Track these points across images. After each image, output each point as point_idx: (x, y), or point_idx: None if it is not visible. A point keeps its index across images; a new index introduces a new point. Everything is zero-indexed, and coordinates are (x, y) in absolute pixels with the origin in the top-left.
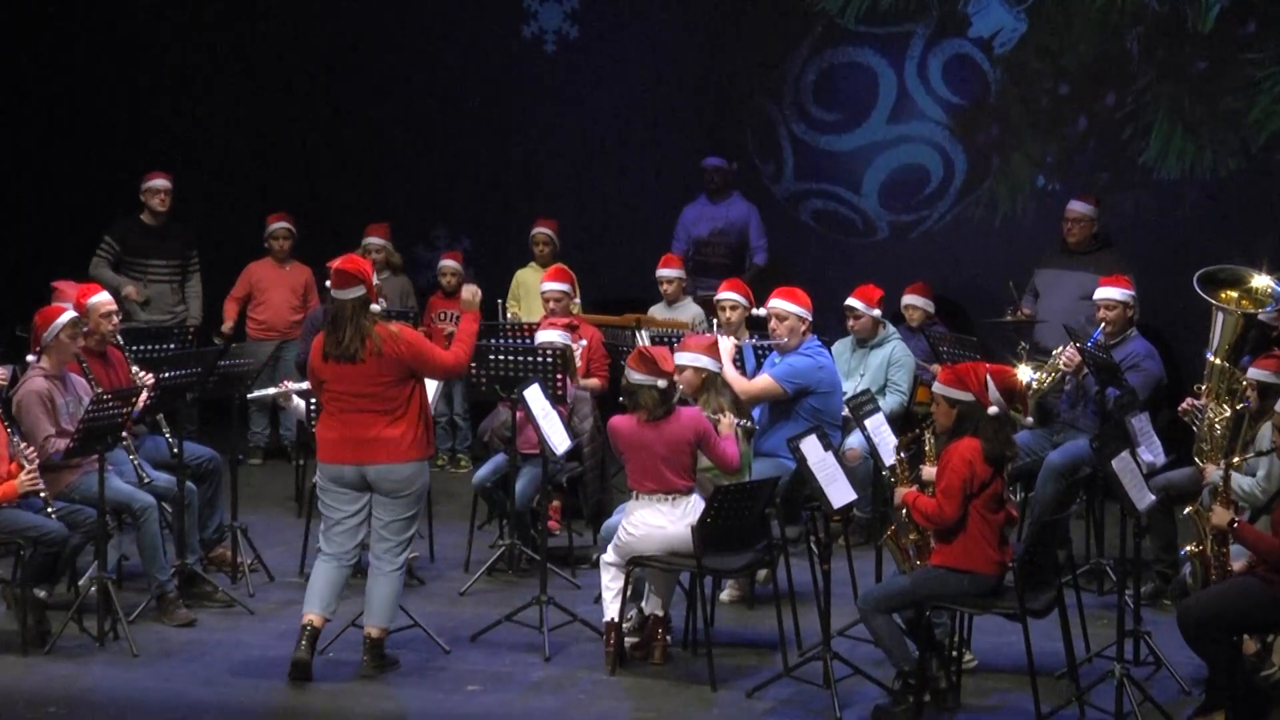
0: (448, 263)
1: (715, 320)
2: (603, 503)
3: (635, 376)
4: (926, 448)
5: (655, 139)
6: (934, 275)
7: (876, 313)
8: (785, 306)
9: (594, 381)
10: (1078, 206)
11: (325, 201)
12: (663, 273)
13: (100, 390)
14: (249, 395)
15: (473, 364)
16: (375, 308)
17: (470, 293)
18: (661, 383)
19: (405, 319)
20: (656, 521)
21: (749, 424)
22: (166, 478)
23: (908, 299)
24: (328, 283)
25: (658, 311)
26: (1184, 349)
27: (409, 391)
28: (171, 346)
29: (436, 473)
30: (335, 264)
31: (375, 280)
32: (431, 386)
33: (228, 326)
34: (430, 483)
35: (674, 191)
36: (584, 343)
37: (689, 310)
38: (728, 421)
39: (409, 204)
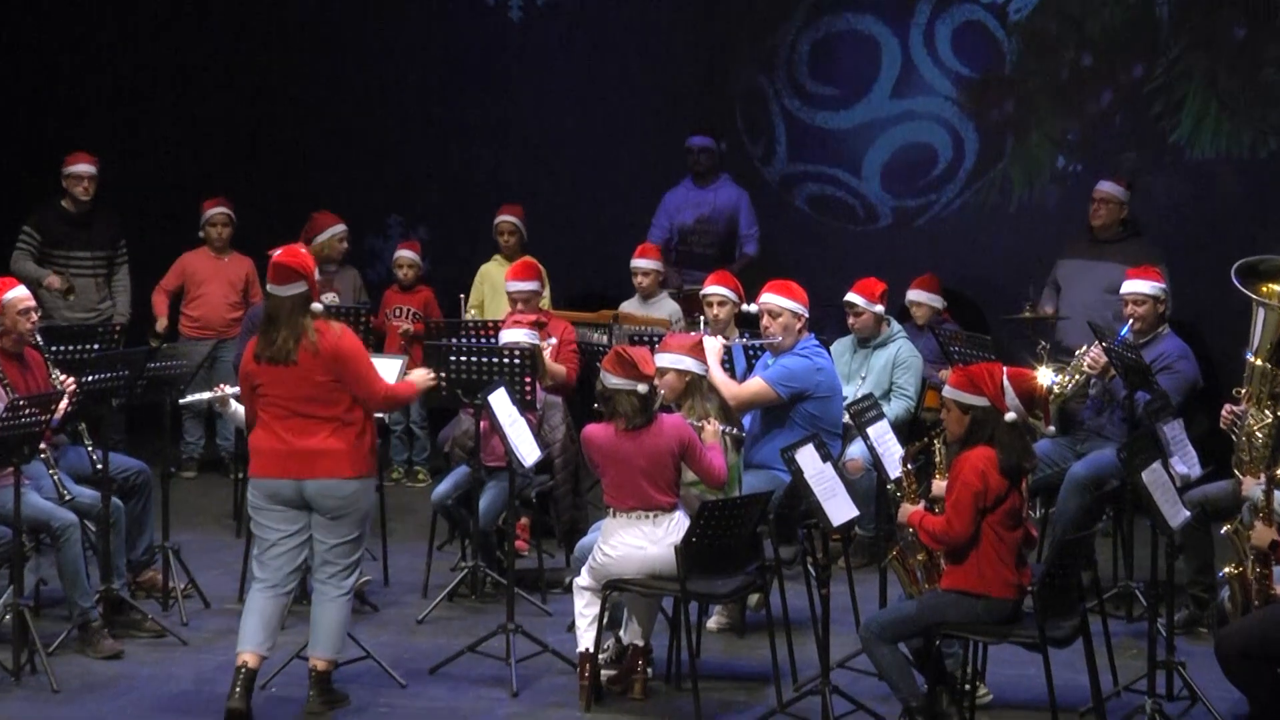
0: (404, 253)
1: (701, 317)
2: (576, 520)
3: (612, 381)
4: (936, 459)
5: (633, 116)
6: (943, 267)
7: (879, 309)
8: (778, 302)
9: (560, 368)
10: (1107, 187)
11: (267, 185)
12: (638, 263)
13: (16, 396)
14: (182, 401)
15: (431, 367)
16: (317, 306)
17: (422, 378)
18: (641, 388)
19: (358, 315)
20: (636, 541)
21: (737, 431)
22: (90, 493)
23: (913, 294)
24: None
25: (630, 308)
26: (1221, 348)
27: (352, 396)
28: (96, 347)
29: (391, 487)
30: (275, 256)
31: (320, 275)
32: (393, 372)
33: (162, 324)
34: (377, 500)
35: (655, 175)
36: (553, 341)
37: (665, 307)
38: (713, 428)
39: (360, 189)
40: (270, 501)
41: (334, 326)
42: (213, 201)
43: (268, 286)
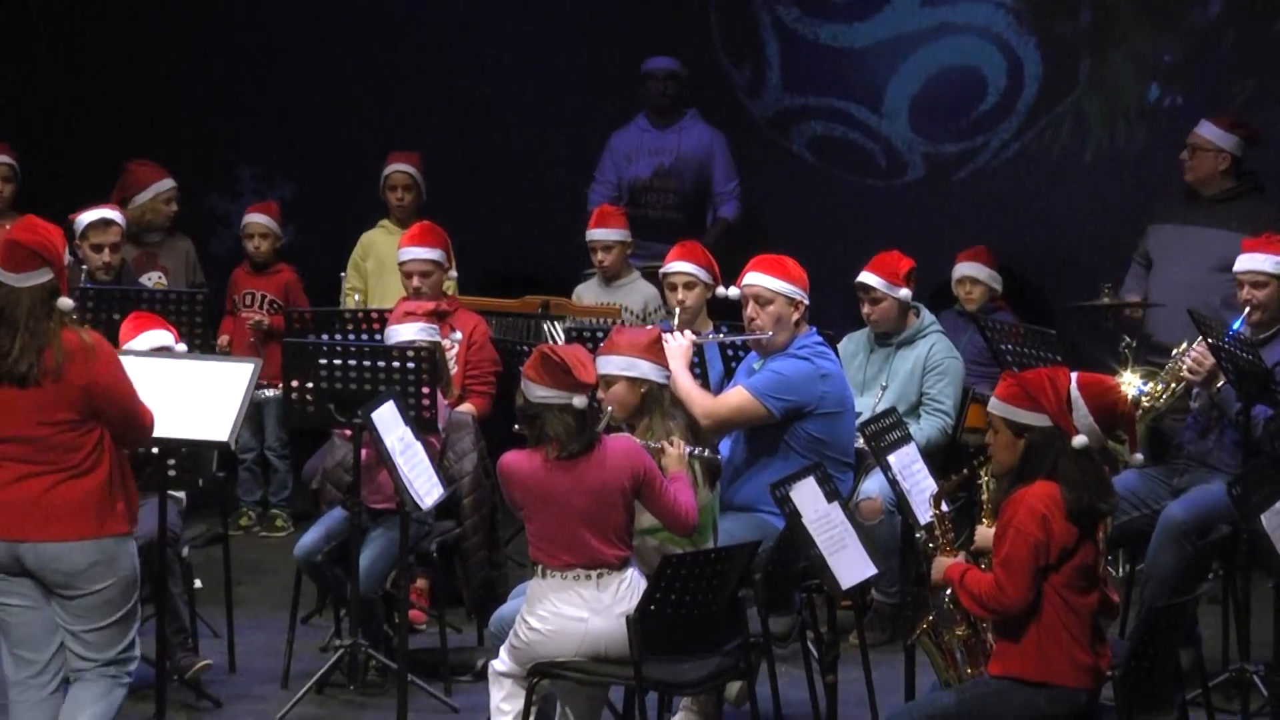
0: (257, 218)
1: (665, 305)
2: (491, 582)
3: (538, 392)
4: (983, 495)
5: (568, 31)
6: (993, 235)
7: (905, 293)
8: (768, 283)
9: (468, 406)
10: (1206, 131)
11: (67, 127)
12: (597, 235)
13: None
14: None
15: (293, 375)
16: (65, 303)
17: None
18: (577, 401)
19: (192, 302)
20: (573, 611)
21: (710, 453)
22: None
23: (965, 268)
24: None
25: (588, 293)
26: None
27: (98, 438)
28: None
29: (239, 538)
30: (13, 232)
31: (141, 247)
32: (241, 381)
33: None
34: (136, 567)
35: (598, 110)
36: (458, 336)
37: (638, 292)
38: (676, 451)
39: (197, 130)
40: None
41: (85, 340)
42: None
43: None
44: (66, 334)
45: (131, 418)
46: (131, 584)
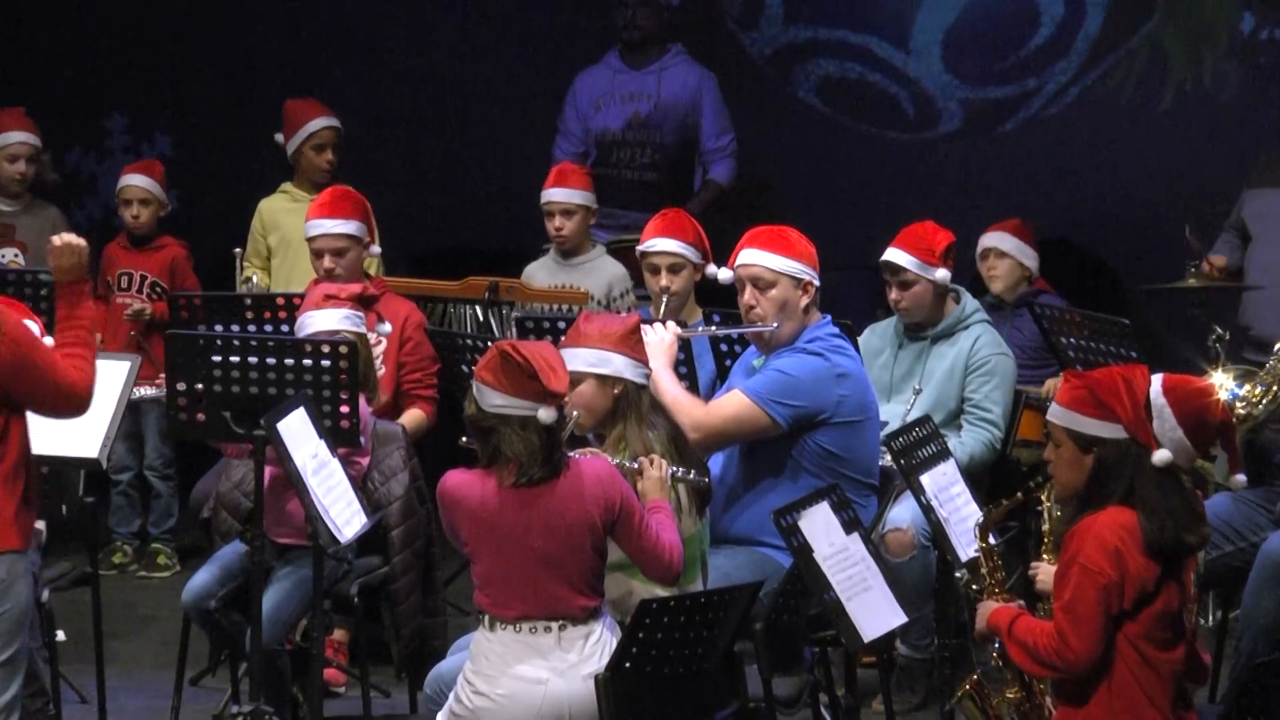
0: (136, 181)
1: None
2: (426, 634)
3: (495, 400)
4: (1044, 525)
5: None
6: (1046, 201)
7: (942, 274)
8: (769, 262)
9: (417, 413)
10: None
11: None
12: (554, 195)
13: None
14: None
15: (179, 375)
16: None
17: (66, 248)
18: (545, 414)
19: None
20: (530, 671)
21: (696, 476)
22: None
23: (991, 239)
24: None
25: (540, 272)
26: None
27: (1, 427)
28: None
29: (112, 578)
30: None
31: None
32: (117, 377)
33: None
34: (30, 593)
35: (559, 48)
36: (387, 329)
37: (601, 272)
38: (657, 473)
39: (57, 75)
40: None
41: None
42: None
43: None
44: None
45: (59, 389)
46: (24, 611)
